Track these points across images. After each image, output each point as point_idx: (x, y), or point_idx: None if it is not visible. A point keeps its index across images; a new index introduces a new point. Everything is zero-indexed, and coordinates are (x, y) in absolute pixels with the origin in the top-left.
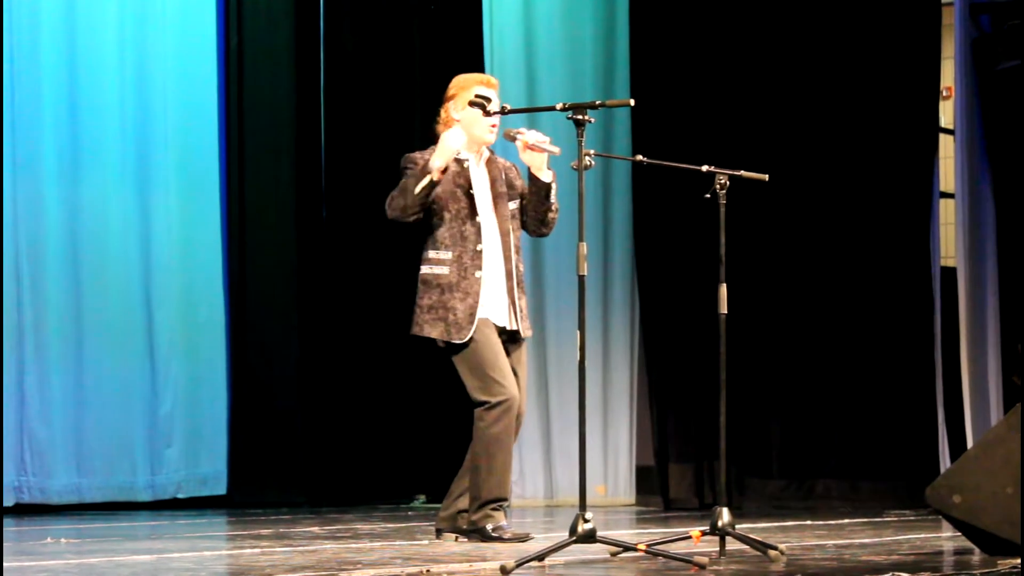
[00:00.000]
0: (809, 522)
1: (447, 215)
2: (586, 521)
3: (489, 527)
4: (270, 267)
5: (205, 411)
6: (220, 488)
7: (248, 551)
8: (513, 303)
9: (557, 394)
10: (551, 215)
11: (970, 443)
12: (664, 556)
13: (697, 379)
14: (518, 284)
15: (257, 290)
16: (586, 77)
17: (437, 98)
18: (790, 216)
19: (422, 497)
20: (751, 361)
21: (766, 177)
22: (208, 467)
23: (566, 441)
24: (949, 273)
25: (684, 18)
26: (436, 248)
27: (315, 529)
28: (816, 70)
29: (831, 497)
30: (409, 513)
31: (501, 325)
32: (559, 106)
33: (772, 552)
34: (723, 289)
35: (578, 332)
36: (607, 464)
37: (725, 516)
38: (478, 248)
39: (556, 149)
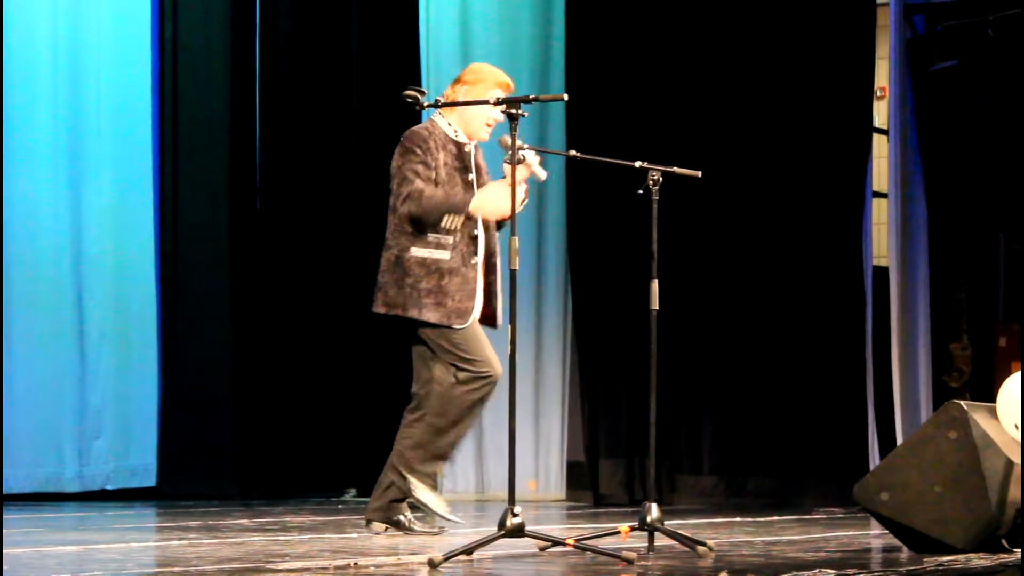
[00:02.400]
0: (739, 519)
1: None
2: (515, 515)
3: (432, 498)
4: (203, 259)
5: (135, 403)
6: (150, 480)
7: (176, 543)
8: (494, 295)
9: None
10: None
11: (900, 442)
12: (592, 551)
13: (629, 375)
14: (498, 279)
15: (189, 282)
16: (522, 72)
17: (373, 92)
18: (724, 213)
19: (353, 491)
20: (683, 358)
21: (699, 174)
22: (138, 459)
23: (497, 436)
24: (881, 272)
25: (620, 14)
26: (438, 231)
27: (244, 521)
28: (751, 68)
29: (761, 494)
30: (339, 506)
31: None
32: (493, 100)
33: (700, 548)
34: (655, 285)
35: (509, 326)
36: (538, 459)
37: (654, 512)
38: (475, 233)
39: (542, 174)
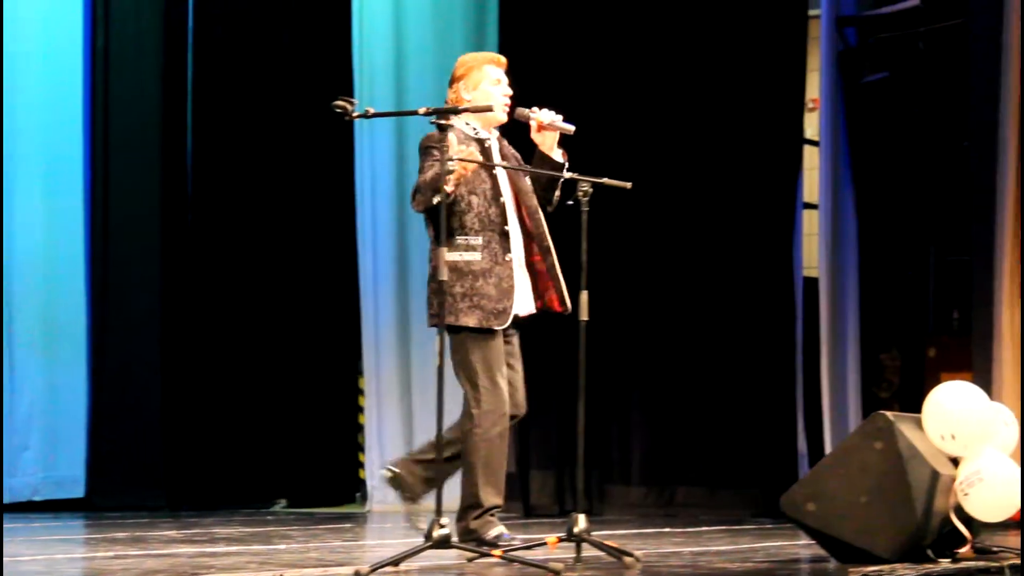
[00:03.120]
0: (668, 529)
1: (474, 199)
2: (442, 526)
3: (491, 534)
4: (133, 270)
5: (64, 414)
6: (78, 491)
7: (102, 554)
8: (556, 279)
9: (420, 399)
10: (556, 194)
11: (828, 452)
12: (519, 562)
13: (559, 386)
14: (556, 260)
15: (120, 293)
16: None
17: (307, 99)
18: (655, 224)
19: (283, 502)
20: (614, 368)
21: (629, 185)
22: (66, 470)
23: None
24: (811, 283)
25: (553, 25)
26: (464, 233)
27: (172, 533)
28: (683, 80)
29: (691, 505)
30: (268, 518)
31: (527, 313)
32: (423, 110)
33: (627, 559)
34: (584, 296)
35: (437, 337)
36: None
37: (582, 523)
38: (505, 229)
39: (570, 127)
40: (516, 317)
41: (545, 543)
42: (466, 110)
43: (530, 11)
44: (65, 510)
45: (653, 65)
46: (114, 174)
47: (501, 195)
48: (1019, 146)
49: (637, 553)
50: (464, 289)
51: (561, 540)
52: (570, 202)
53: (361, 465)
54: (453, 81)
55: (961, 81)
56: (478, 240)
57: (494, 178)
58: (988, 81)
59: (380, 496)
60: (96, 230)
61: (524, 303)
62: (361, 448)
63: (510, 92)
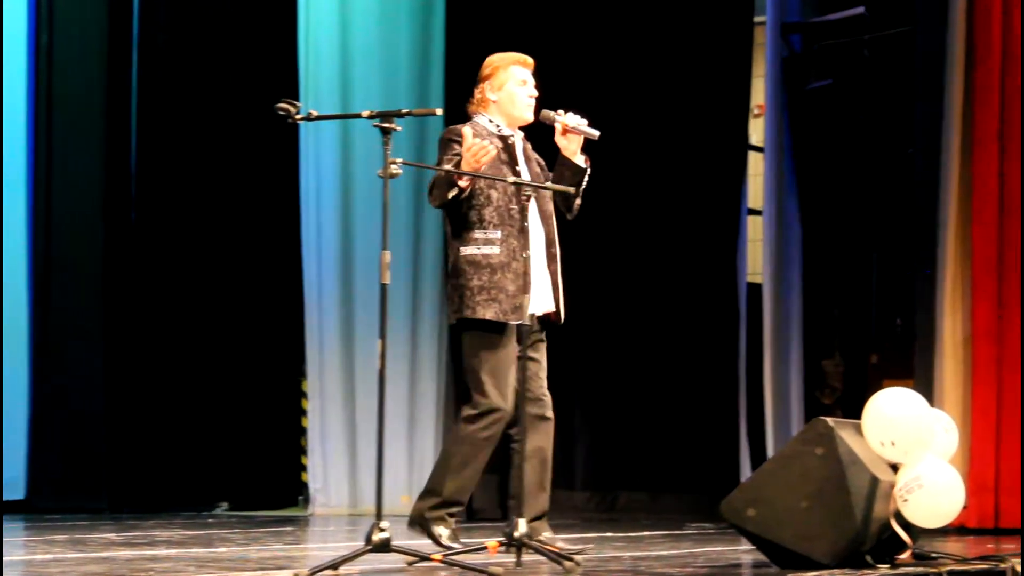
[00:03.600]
0: (610, 534)
1: (494, 193)
2: (382, 530)
3: (436, 531)
4: (76, 270)
5: (4, 413)
6: (18, 493)
7: (40, 557)
8: (556, 287)
9: (364, 403)
10: (577, 202)
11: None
12: (459, 566)
13: None
14: (560, 269)
15: (62, 293)
16: (400, 83)
17: (252, 99)
18: (600, 228)
19: (224, 504)
20: (557, 372)
21: (572, 190)
22: (6, 471)
23: (370, 450)
24: (755, 289)
25: (499, 27)
26: (484, 228)
27: (112, 536)
28: (629, 84)
29: (634, 509)
30: (210, 520)
31: (543, 312)
32: (365, 113)
33: (567, 563)
34: (526, 300)
35: (379, 341)
36: (412, 474)
37: (522, 527)
38: (524, 225)
39: (595, 133)
40: (535, 316)
41: (485, 547)
42: (409, 113)
43: (477, 13)
44: (5, 512)
45: (600, 70)
46: (57, 173)
47: (524, 192)
48: (962, 153)
49: (578, 557)
50: (482, 282)
51: (501, 544)
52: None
53: (304, 468)
54: (479, 80)
55: (905, 88)
56: (496, 234)
57: (517, 175)
58: (932, 88)
59: (322, 499)
60: (38, 229)
61: (543, 302)
62: (304, 451)
63: (536, 93)
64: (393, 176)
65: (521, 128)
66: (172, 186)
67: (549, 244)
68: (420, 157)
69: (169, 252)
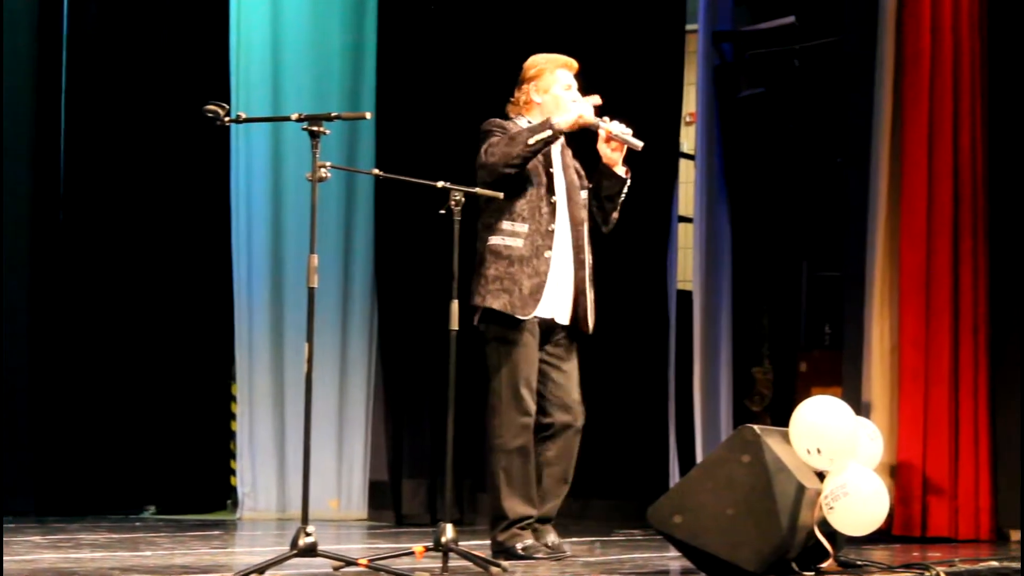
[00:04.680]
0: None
1: (529, 188)
2: (308, 535)
3: (519, 547)
4: (2, 270)
5: None
6: None
7: None
8: (582, 293)
9: (293, 407)
10: (614, 215)
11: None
12: (385, 571)
13: (432, 395)
14: (589, 277)
15: None
16: (332, 86)
17: (183, 102)
18: None
19: (152, 508)
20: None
21: (501, 195)
22: None
23: (298, 455)
24: (685, 296)
25: (431, 29)
26: (512, 219)
27: (36, 538)
28: None
29: (563, 515)
30: (137, 524)
31: (550, 317)
32: (294, 116)
33: (494, 569)
34: (455, 305)
35: (306, 344)
36: (341, 478)
37: (449, 532)
38: (550, 228)
39: (638, 143)
40: (547, 321)
41: (412, 552)
42: (339, 116)
43: (409, 15)
44: None
45: None
46: None
47: (554, 195)
48: (891, 162)
49: (504, 563)
50: (498, 272)
51: (428, 550)
52: (442, 211)
53: (232, 472)
54: (523, 81)
55: (835, 97)
56: (524, 228)
57: (550, 176)
58: (861, 97)
59: (251, 503)
60: None
61: (560, 308)
62: (233, 455)
63: (579, 98)
64: (322, 180)
65: (565, 136)
66: (101, 187)
67: (577, 251)
68: (351, 161)
69: (97, 253)
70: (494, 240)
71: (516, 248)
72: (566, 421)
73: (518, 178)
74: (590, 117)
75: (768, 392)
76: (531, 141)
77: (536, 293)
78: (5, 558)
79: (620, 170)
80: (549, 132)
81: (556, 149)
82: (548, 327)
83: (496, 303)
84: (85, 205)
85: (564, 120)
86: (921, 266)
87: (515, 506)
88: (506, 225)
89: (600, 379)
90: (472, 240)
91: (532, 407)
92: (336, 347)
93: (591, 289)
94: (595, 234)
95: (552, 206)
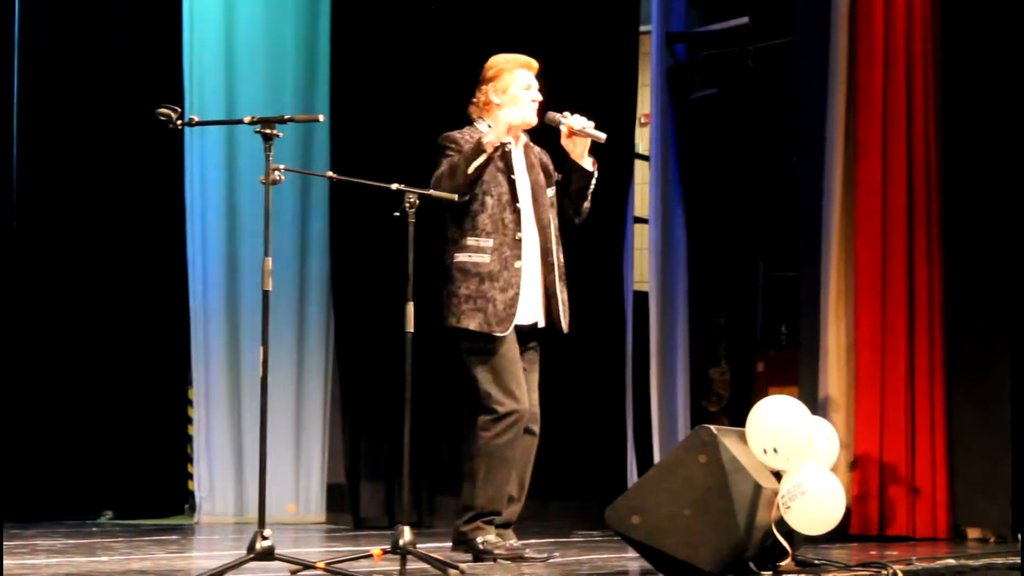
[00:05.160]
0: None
1: (489, 200)
2: (264, 538)
3: (479, 540)
4: None
5: None
6: None
7: None
8: (553, 296)
9: (249, 410)
10: (586, 205)
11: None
12: (343, 574)
13: (389, 397)
14: (560, 277)
15: None
16: (286, 88)
17: (136, 105)
18: None
19: (109, 513)
20: (444, 380)
21: (455, 197)
22: None
23: (256, 458)
24: (641, 297)
25: (384, 31)
26: (476, 235)
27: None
28: None
29: (522, 517)
30: (94, 529)
31: (531, 323)
32: (247, 119)
33: (452, 571)
34: (410, 307)
35: (261, 348)
36: (299, 481)
37: (407, 535)
38: (517, 236)
39: (601, 136)
40: (527, 327)
41: (371, 555)
42: (292, 119)
43: (362, 16)
44: None
45: None
46: None
47: (518, 201)
48: (845, 163)
49: (462, 566)
50: (469, 291)
51: (386, 552)
52: (397, 213)
53: (190, 476)
54: (482, 82)
55: (789, 97)
56: (488, 243)
57: (512, 183)
58: (814, 98)
59: (208, 507)
60: None
61: (533, 314)
62: (190, 459)
63: (539, 97)
64: (275, 182)
65: (527, 131)
66: (54, 193)
67: (545, 254)
68: (305, 163)
69: (52, 259)
70: (460, 257)
71: (484, 264)
72: (524, 426)
73: (478, 192)
74: (527, 121)
75: (725, 392)
76: (469, 171)
77: (511, 307)
78: None
79: (587, 162)
80: (483, 155)
81: (516, 153)
82: (524, 331)
83: (472, 323)
84: (39, 212)
85: (492, 137)
86: (876, 265)
87: (485, 500)
88: (471, 241)
89: (557, 380)
90: (427, 242)
91: (525, 403)
92: (292, 350)
93: (563, 290)
94: (562, 233)
95: (517, 213)
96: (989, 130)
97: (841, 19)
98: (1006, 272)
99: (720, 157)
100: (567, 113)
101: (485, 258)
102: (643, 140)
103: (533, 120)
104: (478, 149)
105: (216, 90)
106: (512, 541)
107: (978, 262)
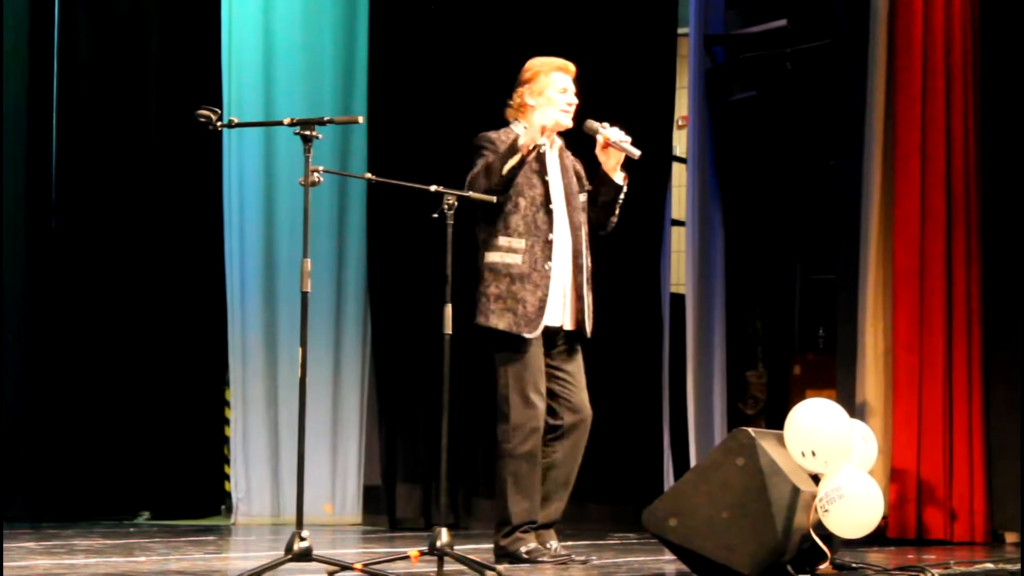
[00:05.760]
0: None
1: (522, 201)
2: (302, 539)
3: (522, 550)
4: None
5: None
6: None
7: None
8: (580, 299)
9: (286, 412)
10: (612, 219)
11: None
12: (380, 575)
13: (426, 399)
14: (587, 281)
15: None
16: (325, 90)
17: (174, 107)
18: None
19: (146, 514)
20: (481, 382)
21: (494, 199)
22: None
23: (293, 459)
24: (678, 300)
25: (423, 39)
26: (508, 235)
27: (31, 544)
28: None
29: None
30: (131, 530)
31: (557, 325)
32: (286, 121)
33: (489, 573)
34: (448, 309)
35: (300, 349)
36: (335, 483)
37: (444, 536)
38: (549, 238)
39: (636, 152)
40: (554, 329)
41: (407, 557)
42: (331, 121)
43: (400, 18)
44: None
45: None
46: None
47: (551, 203)
48: (883, 166)
49: (500, 568)
50: (499, 291)
51: (423, 554)
52: (435, 215)
53: (227, 477)
54: (519, 84)
55: (827, 101)
56: (521, 243)
57: (546, 184)
58: (854, 101)
59: (245, 508)
60: None
61: (561, 316)
62: (227, 460)
63: (575, 101)
64: (314, 184)
65: (560, 135)
66: (93, 194)
67: (576, 256)
68: (343, 165)
69: (90, 260)
70: (492, 257)
71: (515, 265)
72: (574, 421)
73: (511, 193)
74: (560, 123)
75: (762, 395)
76: (504, 171)
77: (540, 309)
78: (4, 563)
79: (618, 176)
80: (518, 156)
81: (551, 155)
82: (552, 332)
83: (501, 323)
84: (78, 212)
85: (527, 138)
86: (914, 269)
87: (520, 511)
88: (503, 241)
89: (594, 383)
90: (465, 244)
91: (542, 412)
92: (330, 351)
93: (589, 293)
94: (591, 237)
95: (550, 214)
96: None
97: (880, 21)
98: None
99: (758, 160)
100: (606, 124)
101: (517, 259)
102: (681, 143)
103: (567, 123)
104: (512, 149)
105: (255, 92)
106: (553, 543)
107: (1017, 265)
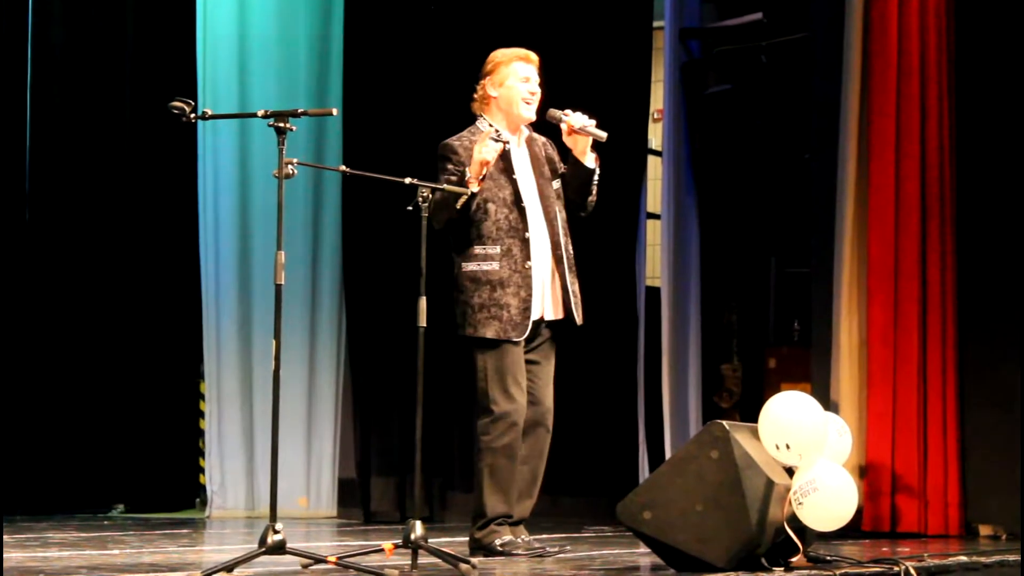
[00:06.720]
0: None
1: (492, 206)
2: (276, 532)
3: (497, 543)
4: None
5: None
6: None
7: None
8: (565, 289)
9: (261, 405)
10: (591, 200)
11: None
12: (354, 568)
13: (400, 392)
14: (569, 269)
15: None
16: (299, 82)
17: (149, 98)
18: None
19: (120, 507)
20: (456, 375)
21: (468, 191)
22: None
23: (268, 452)
24: (654, 293)
25: (398, 32)
26: (483, 243)
27: (4, 538)
28: None
29: (533, 512)
30: (105, 523)
31: (538, 317)
32: (260, 113)
33: (464, 566)
34: (423, 302)
35: (274, 341)
36: (310, 476)
37: (418, 529)
38: (526, 236)
39: (602, 134)
40: (542, 321)
41: (382, 549)
42: (305, 113)
43: (375, 11)
44: None
45: None
46: None
47: (522, 200)
48: (859, 158)
49: (474, 560)
50: (483, 300)
51: (398, 547)
52: (410, 208)
53: (201, 470)
54: (481, 76)
55: (802, 94)
56: (496, 249)
57: (514, 183)
58: (828, 95)
59: (219, 501)
60: None
61: (544, 308)
62: (201, 453)
63: (537, 91)
64: (288, 176)
65: (531, 126)
66: (66, 185)
67: (555, 247)
68: (318, 157)
69: (64, 251)
70: (469, 267)
71: (493, 271)
72: (535, 419)
73: (479, 200)
74: (489, 156)
75: (737, 388)
76: (458, 206)
77: (525, 311)
78: None
79: (589, 159)
80: (467, 194)
81: (518, 151)
82: (535, 324)
83: (488, 331)
84: (51, 203)
85: (471, 173)
86: (889, 262)
87: (495, 504)
88: (478, 250)
89: (570, 375)
90: (439, 237)
91: (522, 406)
92: (304, 344)
93: (574, 281)
94: (570, 223)
95: (523, 212)
96: (1003, 128)
97: (855, 14)
98: (1018, 270)
99: (733, 153)
100: (568, 111)
101: (494, 265)
102: (656, 136)
103: (527, 116)
104: (462, 183)
105: (229, 84)
106: (525, 536)
107: (990, 259)
